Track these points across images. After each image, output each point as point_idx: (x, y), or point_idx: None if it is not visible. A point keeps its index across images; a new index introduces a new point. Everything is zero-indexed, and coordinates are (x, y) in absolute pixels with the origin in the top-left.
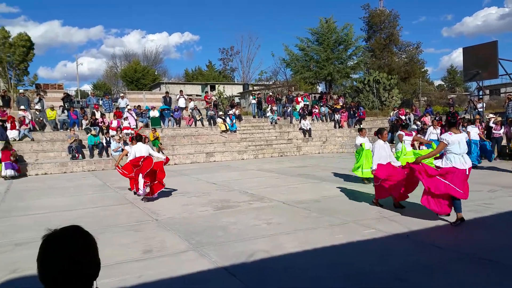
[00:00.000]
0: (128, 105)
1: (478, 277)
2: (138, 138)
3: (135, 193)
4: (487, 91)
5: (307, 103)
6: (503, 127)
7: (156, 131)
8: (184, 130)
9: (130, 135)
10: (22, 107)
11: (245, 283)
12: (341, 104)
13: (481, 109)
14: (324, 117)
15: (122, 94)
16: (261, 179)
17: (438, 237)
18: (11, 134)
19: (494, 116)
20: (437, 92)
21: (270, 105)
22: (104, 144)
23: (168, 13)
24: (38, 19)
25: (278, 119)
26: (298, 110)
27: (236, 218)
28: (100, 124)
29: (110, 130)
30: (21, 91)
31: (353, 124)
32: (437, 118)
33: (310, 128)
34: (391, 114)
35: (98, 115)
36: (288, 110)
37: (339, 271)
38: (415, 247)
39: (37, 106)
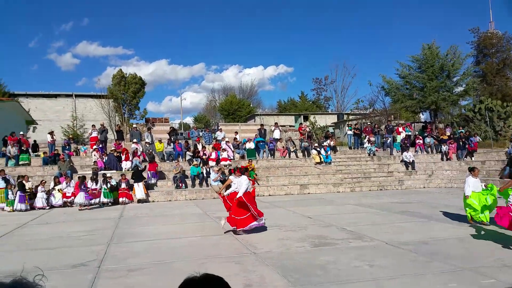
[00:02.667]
0: (225, 137)
1: None
2: (243, 170)
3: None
4: None
5: (409, 133)
6: None
7: (251, 163)
8: (278, 161)
9: (228, 166)
10: (134, 140)
11: None
12: (449, 134)
13: None
14: (429, 149)
15: (220, 127)
16: (360, 215)
17: None
18: (125, 165)
19: None
20: None
21: (367, 136)
22: (204, 175)
23: (264, 49)
24: (148, 59)
25: (377, 150)
26: (399, 141)
27: (335, 257)
28: (201, 156)
29: (210, 161)
30: (134, 125)
31: (463, 156)
32: None
33: (413, 160)
34: (509, 146)
35: (199, 147)
36: (388, 141)
37: None
38: None
39: (147, 139)
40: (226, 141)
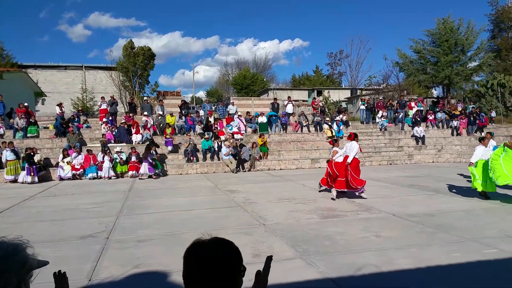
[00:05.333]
0: (237, 111)
1: None
2: (355, 136)
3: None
4: None
5: (421, 108)
6: None
7: (264, 137)
8: (291, 135)
9: (240, 140)
10: (145, 113)
11: None
12: (460, 109)
13: None
14: (440, 124)
15: (232, 101)
16: (369, 188)
17: None
18: (135, 138)
19: None
20: None
21: (380, 111)
22: (216, 149)
23: (280, 22)
24: (161, 31)
25: (389, 125)
26: (410, 116)
27: (343, 228)
28: (213, 130)
29: (221, 136)
30: (144, 98)
31: (473, 131)
32: None
33: (424, 135)
34: None
35: (212, 120)
36: (400, 116)
37: None
38: None
39: (159, 112)
40: (238, 115)
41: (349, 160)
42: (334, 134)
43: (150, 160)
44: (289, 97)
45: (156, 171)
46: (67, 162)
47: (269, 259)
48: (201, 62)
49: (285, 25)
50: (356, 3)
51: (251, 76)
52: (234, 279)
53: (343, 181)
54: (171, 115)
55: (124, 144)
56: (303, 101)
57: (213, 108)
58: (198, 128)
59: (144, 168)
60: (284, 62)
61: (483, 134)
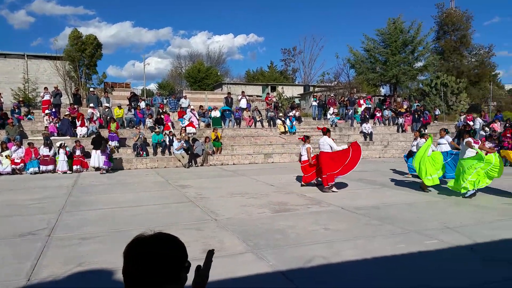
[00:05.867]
0: (190, 105)
1: None
2: (326, 130)
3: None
4: None
5: (370, 106)
6: None
7: (217, 131)
8: (244, 130)
9: (193, 134)
10: (91, 105)
11: None
12: (405, 107)
13: None
14: (387, 121)
15: (184, 95)
16: None
17: (505, 252)
18: (80, 131)
19: None
20: (509, 97)
21: (331, 107)
22: (167, 143)
23: (235, 16)
24: (110, 20)
25: (339, 121)
26: (359, 113)
27: (294, 221)
28: (164, 123)
29: (174, 130)
30: (91, 89)
31: (417, 128)
32: (507, 125)
33: (371, 132)
34: (460, 119)
35: (163, 114)
36: (350, 112)
37: (401, 284)
38: (480, 261)
39: (106, 104)
40: (191, 109)
41: (336, 148)
42: (287, 129)
43: (108, 153)
44: (243, 92)
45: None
46: (6, 156)
47: (210, 253)
48: (153, 54)
49: (240, 19)
50: (310, 1)
51: (205, 69)
52: (176, 275)
53: (333, 174)
54: (119, 107)
55: (68, 137)
56: (257, 96)
57: (165, 101)
58: (149, 122)
59: (101, 161)
60: (239, 56)
61: (426, 130)
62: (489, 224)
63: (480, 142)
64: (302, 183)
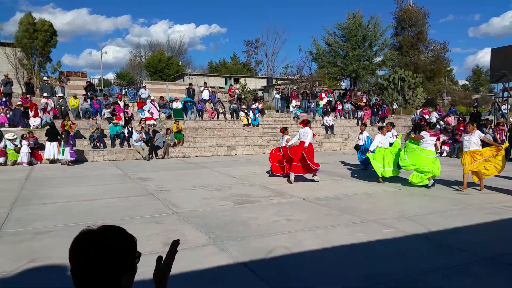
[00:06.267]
0: (150, 95)
1: (499, 281)
2: (307, 122)
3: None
4: None
5: (331, 99)
6: None
7: (179, 123)
8: (207, 122)
9: (153, 126)
10: (45, 94)
11: (265, 280)
12: (365, 101)
13: (506, 111)
14: (347, 114)
15: (144, 85)
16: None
17: (457, 239)
18: (33, 121)
19: None
20: (462, 92)
21: (294, 100)
22: (126, 134)
23: (197, 4)
24: (66, 7)
25: (301, 114)
26: (321, 106)
27: (257, 213)
28: (123, 113)
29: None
30: (44, 78)
31: (375, 121)
32: (460, 119)
33: (332, 125)
34: (416, 113)
35: (121, 104)
36: (312, 105)
37: (359, 271)
38: (434, 248)
39: (60, 94)
40: (151, 100)
41: (305, 144)
42: (250, 121)
43: (72, 143)
44: (205, 83)
45: (61, 157)
46: None
47: (175, 243)
48: (111, 42)
49: (202, 9)
50: None
51: (166, 59)
52: (132, 265)
53: (299, 165)
54: (75, 97)
55: (20, 128)
56: (220, 87)
57: (123, 91)
58: (106, 112)
59: (67, 153)
60: (201, 47)
61: (384, 123)
62: (442, 213)
63: (437, 135)
64: (272, 172)
